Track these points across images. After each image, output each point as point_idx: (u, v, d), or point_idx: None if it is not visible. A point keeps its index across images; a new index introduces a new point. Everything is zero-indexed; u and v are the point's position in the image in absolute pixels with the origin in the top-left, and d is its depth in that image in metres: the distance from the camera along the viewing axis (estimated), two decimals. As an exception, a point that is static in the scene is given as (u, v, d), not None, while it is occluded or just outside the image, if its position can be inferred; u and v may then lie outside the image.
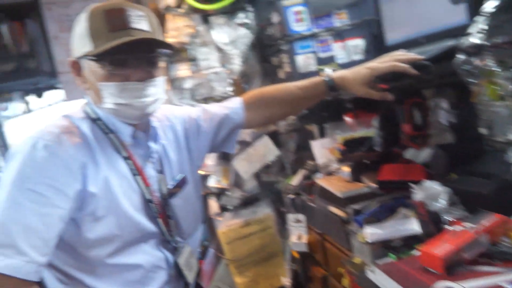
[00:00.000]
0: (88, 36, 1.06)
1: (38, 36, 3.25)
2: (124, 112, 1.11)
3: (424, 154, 1.57)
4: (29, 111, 3.92)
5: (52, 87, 3.76)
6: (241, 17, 2.19)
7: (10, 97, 3.70)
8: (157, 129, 1.27)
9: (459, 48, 1.10)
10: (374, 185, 1.55)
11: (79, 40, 1.10)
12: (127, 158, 1.16)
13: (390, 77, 1.27)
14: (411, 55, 1.26)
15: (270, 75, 2.23)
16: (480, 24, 1.10)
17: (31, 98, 3.86)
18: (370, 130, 1.92)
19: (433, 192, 1.26)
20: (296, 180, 2.10)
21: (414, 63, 1.22)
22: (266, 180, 2.32)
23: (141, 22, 1.08)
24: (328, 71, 1.39)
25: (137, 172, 1.17)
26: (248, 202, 2.32)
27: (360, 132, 1.98)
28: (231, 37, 2.14)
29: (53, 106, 4.07)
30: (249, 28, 2.20)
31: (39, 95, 3.78)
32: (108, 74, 1.07)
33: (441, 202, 1.23)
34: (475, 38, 1.09)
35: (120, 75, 1.08)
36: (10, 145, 4.13)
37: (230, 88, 2.17)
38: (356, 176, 1.68)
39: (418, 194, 1.27)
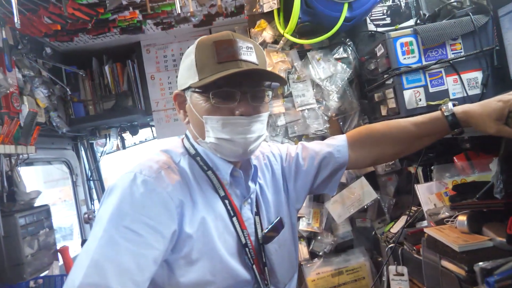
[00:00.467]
0: (194, 67, 1.05)
1: (136, 76, 3.53)
2: (225, 148, 1.07)
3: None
4: (123, 147, 4.18)
5: (146, 124, 4.02)
6: (340, 52, 2.11)
7: (108, 133, 3.98)
8: (257, 169, 1.21)
9: None
10: (500, 239, 1.31)
11: (185, 72, 1.09)
12: (225, 198, 1.11)
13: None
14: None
15: (368, 112, 2.09)
16: None
17: (126, 135, 4.14)
18: (485, 174, 1.70)
19: None
20: (396, 227, 1.89)
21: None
22: (362, 226, 2.13)
23: (250, 54, 1.06)
24: (449, 104, 1.23)
25: (234, 213, 1.11)
26: (341, 248, 2.13)
27: (473, 177, 1.77)
28: (329, 72, 2.06)
29: (145, 144, 4.32)
30: (347, 62, 2.10)
31: (134, 132, 4.02)
32: (212, 107, 1.05)
33: None
34: None
35: (225, 109, 1.05)
36: (105, 179, 4.43)
37: (326, 126, 2.06)
38: (474, 227, 1.44)
39: None
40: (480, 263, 1.19)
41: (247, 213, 1.16)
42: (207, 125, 1.06)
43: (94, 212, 4.00)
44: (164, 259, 1.00)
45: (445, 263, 1.40)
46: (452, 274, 1.34)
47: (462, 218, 1.48)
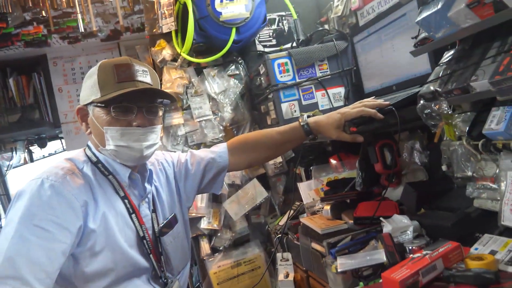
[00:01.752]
0: (97, 85, 1.22)
1: (42, 88, 3.50)
2: (124, 154, 1.25)
3: (399, 192, 1.67)
4: (31, 160, 4.10)
5: (55, 137, 3.97)
6: (232, 69, 2.38)
7: (14, 146, 3.89)
8: (152, 172, 1.40)
9: (420, 95, 1.25)
10: (351, 222, 1.63)
11: (88, 89, 1.25)
12: (124, 198, 1.28)
13: (359, 121, 1.42)
14: (378, 101, 1.40)
15: (258, 122, 2.38)
16: (436, 74, 1.26)
17: (34, 148, 4.06)
18: (353, 171, 2.05)
19: (400, 225, 1.35)
20: (283, 220, 2.19)
21: (380, 108, 1.36)
22: (256, 221, 2.40)
23: (145, 76, 1.26)
24: (305, 116, 1.53)
25: (133, 210, 1.29)
26: (239, 243, 2.38)
27: (344, 174, 2.10)
28: (223, 87, 2.31)
29: (54, 156, 4.25)
30: (239, 78, 2.38)
31: (42, 145, 3.96)
32: (112, 119, 1.22)
33: (408, 234, 1.32)
34: (432, 85, 1.24)
35: (123, 121, 1.23)
36: (12, 194, 4.26)
37: (221, 134, 2.31)
38: (336, 214, 1.76)
39: (387, 227, 1.36)
40: (328, 239, 1.49)
41: (145, 210, 1.34)
42: (107, 134, 1.22)
43: (1, 226, 3.86)
44: (71, 253, 1.14)
45: (314, 245, 1.68)
46: (317, 253, 1.63)
47: (327, 207, 1.79)
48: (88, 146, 1.35)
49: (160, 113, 1.32)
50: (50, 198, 1.11)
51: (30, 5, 2.43)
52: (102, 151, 1.29)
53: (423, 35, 1.30)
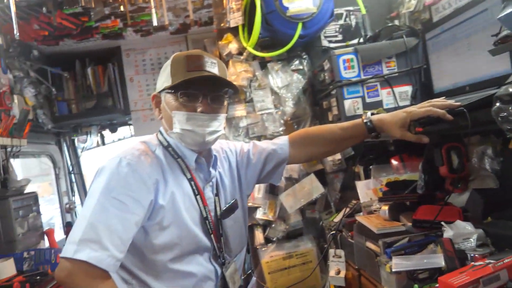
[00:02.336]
0: (169, 74, 1.34)
1: (116, 78, 3.74)
2: (188, 137, 1.34)
3: (464, 198, 1.60)
4: (103, 144, 4.44)
5: (124, 123, 4.25)
6: (296, 64, 2.39)
7: (89, 131, 4.22)
8: (217, 158, 1.48)
9: (496, 97, 1.18)
10: (409, 224, 1.59)
11: (162, 78, 1.38)
12: (190, 180, 1.37)
13: (426, 121, 1.36)
14: (449, 101, 1.34)
15: (319, 117, 2.38)
16: (516, 74, 1.18)
17: (106, 133, 4.40)
18: (415, 174, 1.98)
19: (463, 232, 1.30)
20: (339, 217, 2.17)
21: (450, 110, 1.30)
22: (311, 216, 2.40)
23: (213, 67, 1.34)
24: (368, 113, 1.50)
25: (198, 192, 1.37)
26: (292, 235, 2.40)
27: (405, 175, 2.04)
28: (286, 81, 2.34)
29: (123, 141, 4.55)
30: (303, 73, 2.39)
31: (113, 130, 4.28)
32: (179, 105, 1.32)
33: (471, 242, 1.27)
34: (510, 87, 1.16)
35: (189, 106, 1.32)
36: (85, 174, 4.62)
37: (282, 128, 2.34)
38: (394, 215, 1.72)
39: (448, 232, 1.31)
40: (384, 239, 1.47)
41: (208, 193, 1.42)
42: (175, 118, 1.32)
43: (74, 203, 4.20)
44: (143, 225, 1.26)
45: (369, 244, 1.67)
46: (372, 252, 1.61)
47: (385, 208, 1.76)
48: (160, 131, 1.45)
49: (225, 102, 1.39)
50: (127, 175, 1.23)
51: (110, 0, 2.62)
52: (171, 134, 1.38)
53: (505, 32, 1.22)
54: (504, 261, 1.07)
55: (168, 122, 1.37)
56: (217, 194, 1.45)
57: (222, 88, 1.36)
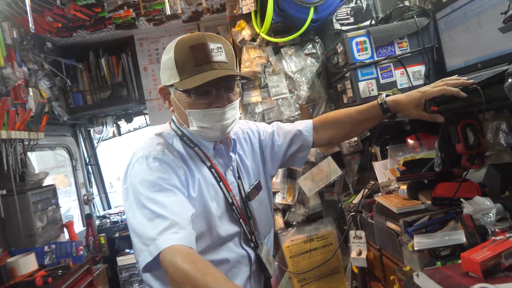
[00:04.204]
0: (175, 68, 1.27)
1: (130, 68, 3.76)
2: (207, 134, 1.33)
3: (481, 174, 1.61)
4: (119, 134, 4.47)
5: (140, 113, 4.28)
6: (309, 48, 2.40)
7: (104, 121, 4.25)
8: (236, 141, 1.48)
9: (508, 73, 1.19)
10: (428, 202, 1.61)
11: (167, 70, 1.31)
12: (211, 167, 1.37)
13: (441, 100, 1.39)
14: (462, 79, 1.35)
15: (334, 100, 2.39)
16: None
17: (121, 123, 4.42)
18: (431, 152, 2.00)
19: (482, 207, 1.31)
20: (357, 199, 2.20)
21: (464, 87, 1.31)
22: (330, 199, 2.44)
23: (220, 54, 1.28)
24: (383, 95, 1.52)
25: (220, 178, 1.37)
26: (312, 219, 2.44)
27: (422, 154, 2.05)
28: (299, 66, 2.35)
29: (139, 130, 4.58)
30: (316, 57, 2.39)
31: (129, 120, 4.30)
32: (193, 102, 1.28)
33: (490, 216, 1.29)
34: (524, 62, 1.17)
35: (204, 103, 1.28)
36: (102, 165, 4.67)
37: (297, 112, 2.36)
38: (412, 194, 1.74)
39: (467, 208, 1.33)
40: (405, 218, 1.50)
41: (230, 177, 1.42)
42: (190, 117, 1.30)
43: (92, 194, 4.27)
44: None
45: (389, 224, 1.69)
46: (392, 232, 1.64)
47: (403, 187, 1.78)
48: (172, 120, 1.43)
49: (237, 88, 1.36)
50: (159, 167, 1.22)
51: (123, -10, 2.64)
52: (186, 129, 1.37)
53: (513, 10, 1.23)
54: (526, 235, 1.09)
55: (181, 117, 1.34)
56: (239, 177, 1.45)
57: (235, 78, 1.32)
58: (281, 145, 1.58)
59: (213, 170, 1.36)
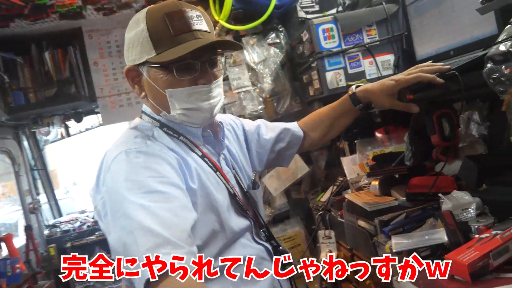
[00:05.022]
0: (149, 41, 1.05)
1: (78, 62, 3.46)
2: (193, 117, 1.12)
3: (455, 166, 1.55)
4: (68, 135, 4.17)
5: (91, 112, 3.98)
6: (272, 37, 2.28)
7: (51, 121, 3.91)
8: (223, 126, 1.28)
9: (487, 57, 1.10)
10: (402, 198, 1.53)
11: (137, 46, 1.08)
12: (203, 156, 1.16)
13: (416, 88, 1.28)
14: (437, 65, 1.26)
15: (300, 93, 2.29)
16: (509, 33, 1.11)
17: (71, 123, 4.10)
18: (401, 145, 1.92)
19: (462, 202, 1.23)
20: (326, 196, 2.11)
21: (441, 74, 1.22)
22: (297, 197, 2.34)
23: (201, 22, 1.08)
24: (353, 86, 1.42)
25: (216, 168, 1.17)
26: (278, 219, 2.33)
27: (391, 148, 1.98)
28: (262, 56, 2.22)
29: (91, 131, 4.30)
30: (280, 47, 2.28)
31: (79, 120, 3.98)
32: (174, 80, 1.07)
33: (470, 212, 1.21)
34: (503, 46, 1.09)
35: (188, 80, 1.07)
36: (51, 171, 4.36)
37: (261, 107, 2.23)
38: (384, 190, 1.66)
39: (446, 204, 1.25)
40: (380, 217, 1.40)
41: (225, 167, 1.23)
42: (172, 98, 1.09)
43: (39, 202, 3.93)
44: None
45: (361, 222, 1.59)
46: (364, 231, 1.55)
47: (375, 183, 1.69)
48: (144, 112, 1.21)
49: (220, 64, 1.23)
50: (145, 162, 1.00)
51: (64, -27, 2.38)
52: (165, 117, 1.16)
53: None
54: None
55: (158, 101, 1.12)
56: (233, 167, 1.27)
57: (222, 49, 1.14)
58: (269, 140, 1.44)
59: (206, 159, 1.16)
